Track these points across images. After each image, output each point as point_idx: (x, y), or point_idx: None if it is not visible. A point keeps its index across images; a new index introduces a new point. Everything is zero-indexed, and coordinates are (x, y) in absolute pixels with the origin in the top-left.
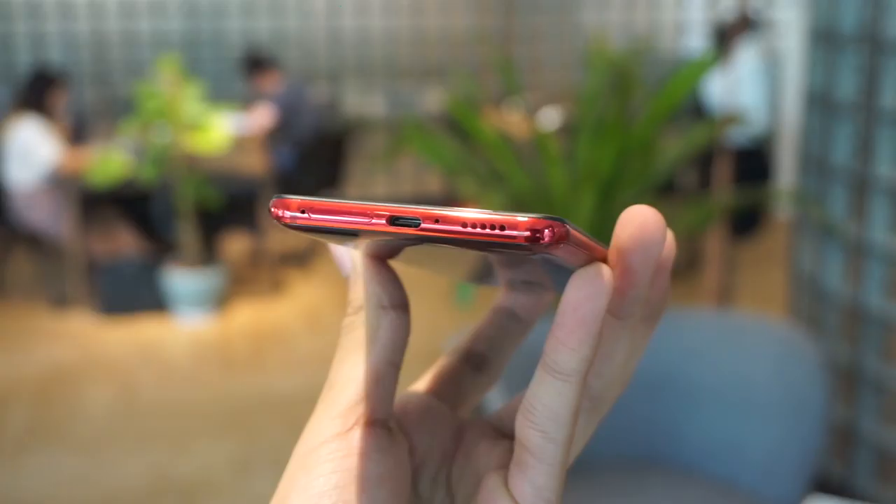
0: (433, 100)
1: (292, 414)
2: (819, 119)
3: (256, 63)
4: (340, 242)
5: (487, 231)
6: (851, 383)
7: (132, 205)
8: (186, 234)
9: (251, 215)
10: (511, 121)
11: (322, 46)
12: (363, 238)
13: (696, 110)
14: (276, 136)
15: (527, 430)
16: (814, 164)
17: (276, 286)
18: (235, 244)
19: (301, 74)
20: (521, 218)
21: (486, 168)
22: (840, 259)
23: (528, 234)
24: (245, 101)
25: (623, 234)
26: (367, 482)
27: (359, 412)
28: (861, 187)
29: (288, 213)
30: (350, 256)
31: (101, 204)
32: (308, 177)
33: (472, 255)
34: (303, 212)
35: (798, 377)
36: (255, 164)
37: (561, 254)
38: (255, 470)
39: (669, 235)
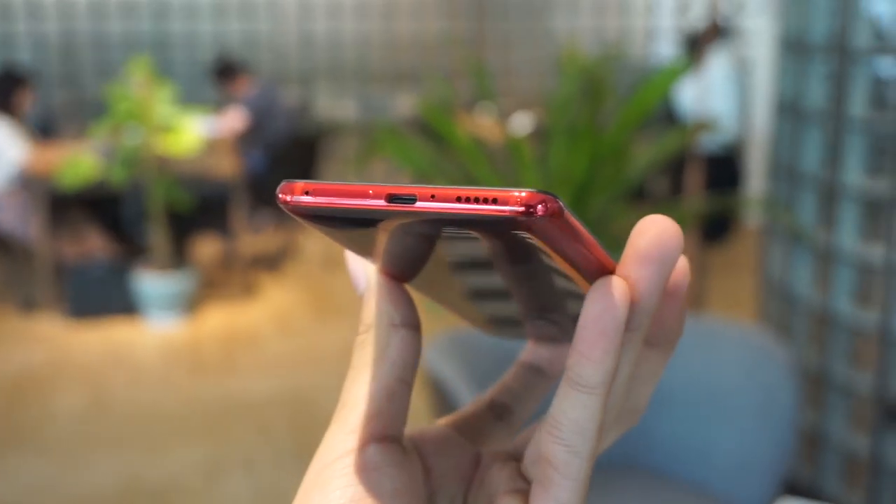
0: (405, 104)
1: (263, 417)
2: (789, 127)
3: (227, 69)
4: (353, 243)
5: (480, 205)
6: (820, 388)
7: (102, 207)
8: (157, 236)
9: (222, 218)
10: (483, 125)
11: (294, 50)
12: (371, 230)
13: (668, 117)
14: (248, 139)
15: (552, 445)
16: (783, 171)
17: (247, 290)
18: (206, 247)
19: (273, 78)
20: (515, 192)
21: (460, 172)
22: (809, 265)
23: (521, 208)
24: (217, 104)
25: (640, 242)
26: (382, 496)
27: (372, 429)
28: (830, 194)
29: (293, 197)
30: (364, 275)
31: (70, 206)
32: (280, 180)
33: (491, 289)
34: (307, 193)
35: (768, 382)
36: (227, 167)
37: (557, 238)
38: (227, 473)
39: (685, 262)
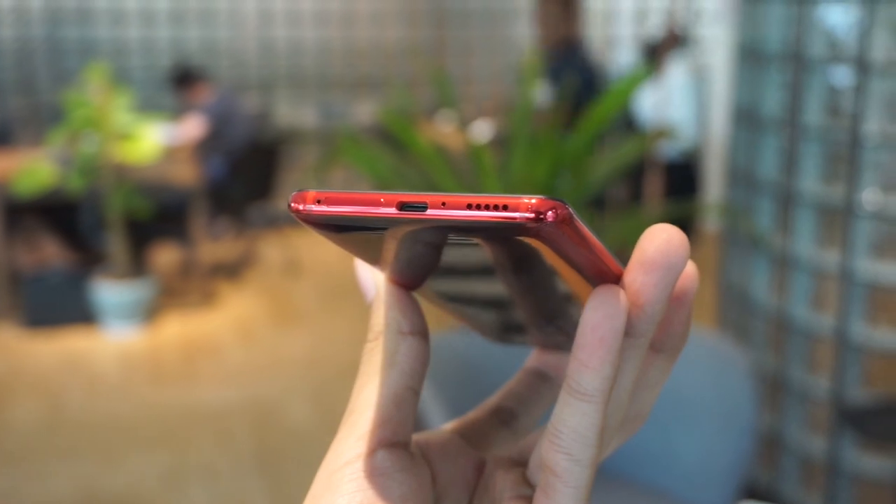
0: (365, 111)
1: (224, 426)
2: (746, 134)
3: (185, 76)
4: (362, 251)
5: (491, 212)
6: (777, 392)
7: (59, 214)
8: (115, 244)
9: (182, 226)
10: (443, 133)
11: (253, 57)
12: (381, 238)
13: (627, 125)
14: (207, 146)
15: (553, 453)
16: (741, 177)
17: (206, 298)
18: (165, 255)
19: (232, 85)
20: (525, 199)
21: (421, 180)
22: (767, 271)
23: (531, 214)
24: (176, 112)
25: (646, 249)
26: (390, 501)
27: (380, 435)
28: (786, 201)
29: (305, 206)
30: (373, 283)
31: (27, 213)
32: (240, 187)
33: (498, 299)
34: (318, 202)
35: (728, 387)
36: (186, 174)
37: (566, 245)
38: (186, 483)
39: (693, 267)
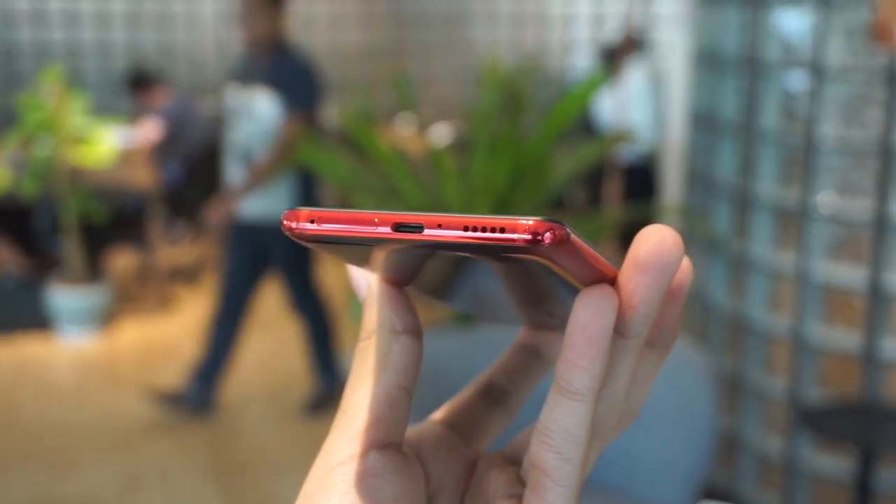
0: (323, 114)
1: (182, 432)
2: (703, 138)
3: (141, 79)
4: (355, 259)
5: (488, 234)
6: (735, 393)
7: (13, 219)
8: (70, 249)
9: (139, 230)
10: (403, 136)
11: (211, 59)
12: (374, 249)
13: (586, 128)
14: (164, 150)
15: (543, 452)
16: (699, 181)
17: (164, 303)
18: (122, 260)
19: (189, 88)
20: (522, 221)
21: (381, 183)
22: (724, 273)
23: (528, 236)
24: (132, 115)
25: (640, 251)
26: (382, 502)
27: (373, 435)
28: (743, 204)
29: (298, 224)
30: (366, 281)
31: None
32: (197, 191)
33: (488, 291)
34: (312, 221)
35: (688, 388)
36: (143, 178)
37: (563, 261)
38: (143, 489)
39: (687, 262)
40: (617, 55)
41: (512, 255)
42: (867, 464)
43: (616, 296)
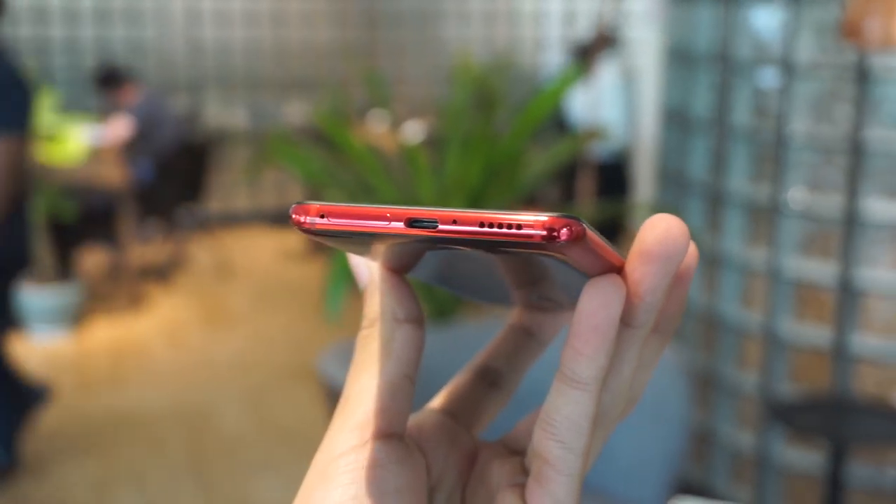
0: (296, 112)
1: (153, 432)
2: (676, 134)
3: (111, 77)
4: (358, 250)
5: (504, 230)
6: (708, 388)
7: None
8: (40, 247)
9: (109, 229)
10: (376, 134)
11: (181, 57)
12: (381, 242)
13: (558, 125)
14: (135, 147)
15: (546, 441)
16: (671, 177)
17: (135, 301)
18: (92, 258)
19: (159, 85)
20: (539, 217)
21: (354, 180)
22: (697, 269)
23: (544, 232)
24: (102, 113)
25: (646, 240)
26: (385, 493)
27: (376, 425)
28: (715, 200)
29: (308, 219)
30: (367, 269)
31: None
32: (169, 189)
33: (487, 274)
34: (322, 216)
35: (661, 384)
36: (113, 176)
37: (576, 255)
38: (115, 490)
39: (693, 247)
40: (589, 52)
41: (526, 250)
42: (838, 458)
43: (623, 286)
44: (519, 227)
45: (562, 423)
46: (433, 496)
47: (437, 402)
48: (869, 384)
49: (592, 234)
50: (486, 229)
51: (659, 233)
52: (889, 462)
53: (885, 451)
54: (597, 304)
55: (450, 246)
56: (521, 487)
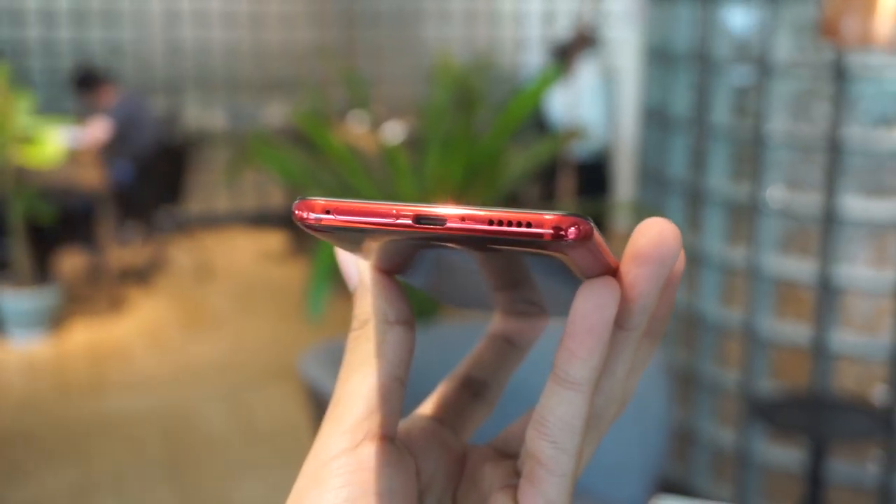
0: (275, 113)
1: (134, 435)
2: (655, 134)
3: (88, 78)
4: (354, 247)
5: (514, 228)
6: (688, 386)
7: None
8: (17, 251)
9: (88, 231)
10: (356, 134)
11: (159, 58)
12: (384, 240)
13: (538, 125)
14: (113, 149)
15: (539, 441)
16: (651, 176)
17: (115, 304)
18: (71, 261)
19: (138, 87)
20: (548, 215)
21: (335, 181)
22: None
23: (552, 230)
24: (79, 114)
25: (639, 244)
26: (377, 496)
27: (367, 428)
28: (695, 199)
29: (312, 215)
30: (357, 270)
31: None
32: (148, 191)
33: (471, 278)
34: (328, 212)
35: (642, 383)
36: (92, 178)
37: (579, 255)
38: (95, 494)
39: (681, 252)
40: (569, 52)
41: (530, 249)
42: (818, 454)
43: (619, 288)
44: (529, 224)
45: (555, 424)
46: (423, 499)
47: (425, 409)
48: (848, 381)
49: (598, 235)
50: (494, 227)
51: (653, 236)
52: (869, 458)
53: (865, 448)
54: (592, 306)
55: (450, 244)
56: (513, 489)
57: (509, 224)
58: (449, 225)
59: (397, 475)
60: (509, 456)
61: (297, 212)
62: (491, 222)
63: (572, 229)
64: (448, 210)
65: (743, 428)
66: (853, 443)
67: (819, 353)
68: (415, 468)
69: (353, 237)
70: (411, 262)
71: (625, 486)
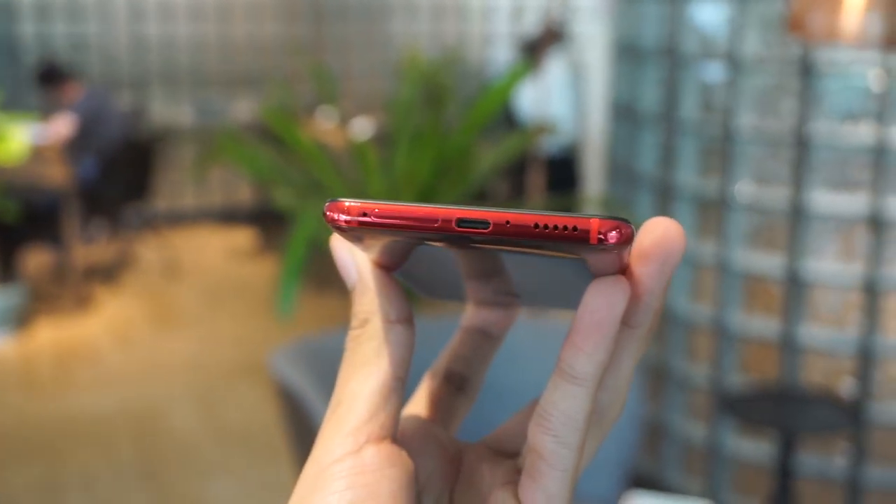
0: (242, 109)
1: (103, 434)
2: (624, 129)
3: (52, 74)
4: (363, 244)
5: (559, 232)
6: (659, 381)
7: None
8: None
9: (53, 228)
10: (324, 130)
11: (124, 53)
12: (420, 242)
13: (507, 120)
14: (78, 146)
15: (541, 436)
16: (621, 171)
17: (81, 302)
18: (36, 259)
19: (103, 82)
20: (592, 218)
21: (304, 177)
22: None
23: (598, 235)
24: (43, 111)
25: (644, 242)
26: (381, 498)
27: (369, 430)
28: (665, 194)
29: (346, 217)
30: (356, 267)
31: None
32: (113, 188)
33: (449, 270)
34: (364, 215)
35: None
36: (57, 175)
37: (607, 255)
38: (64, 494)
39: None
40: (537, 47)
41: (562, 250)
42: (787, 447)
43: (628, 286)
44: (574, 228)
45: (557, 418)
46: (420, 499)
47: (415, 408)
48: (817, 374)
49: None
50: (539, 230)
51: (658, 235)
52: (837, 451)
53: (833, 441)
54: (601, 302)
55: (479, 246)
56: (513, 486)
57: (555, 228)
58: (493, 229)
59: (399, 476)
60: (506, 454)
61: (328, 213)
62: (536, 226)
63: (613, 233)
64: (491, 213)
65: (713, 422)
66: (822, 436)
67: (787, 347)
68: (413, 468)
69: (380, 238)
70: (407, 258)
71: (598, 481)
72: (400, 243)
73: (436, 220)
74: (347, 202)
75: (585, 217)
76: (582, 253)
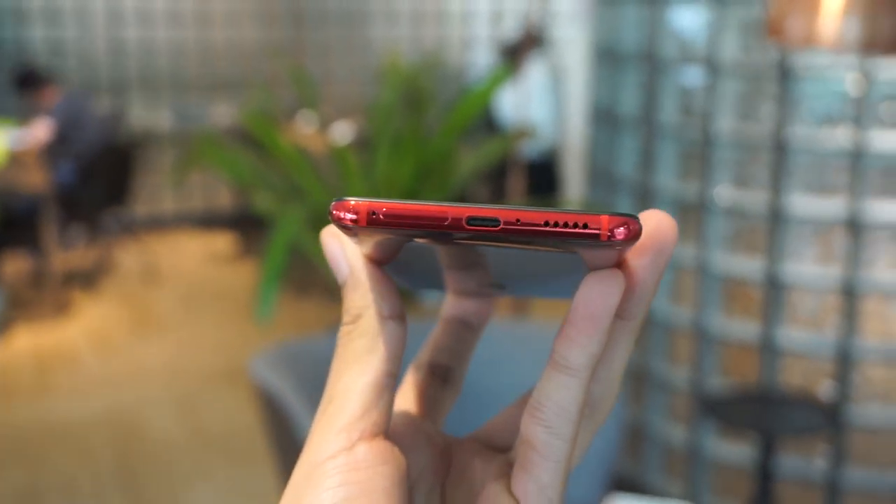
0: (222, 113)
1: (83, 440)
2: (604, 133)
3: (30, 78)
4: (373, 240)
5: (569, 229)
6: (639, 384)
7: None
8: None
9: (31, 234)
10: (304, 134)
11: (103, 57)
12: (429, 241)
13: (488, 124)
14: (56, 150)
15: (534, 427)
16: (601, 175)
17: (60, 308)
18: (14, 265)
19: (81, 86)
20: (601, 215)
21: (284, 182)
22: None
23: (609, 232)
24: (21, 115)
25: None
26: (375, 494)
27: (362, 426)
28: (644, 197)
29: (354, 216)
30: (347, 263)
31: None
32: (92, 193)
33: (432, 262)
34: (373, 214)
35: None
36: (35, 180)
37: (613, 250)
38: (43, 501)
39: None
40: (517, 52)
41: (569, 246)
42: (767, 450)
43: (624, 278)
44: (585, 225)
45: (551, 409)
46: (412, 495)
47: (403, 402)
48: (795, 377)
49: None
50: (549, 228)
51: (651, 227)
52: (816, 453)
53: (813, 443)
54: (596, 294)
55: (484, 243)
56: (507, 479)
57: (565, 225)
58: (504, 226)
59: (392, 472)
60: (497, 449)
61: (334, 212)
62: (546, 223)
63: (622, 229)
64: (501, 211)
65: (693, 424)
66: (801, 438)
67: (767, 349)
68: (405, 465)
69: (384, 235)
70: (400, 252)
71: (580, 484)
72: (398, 239)
73: (445, 219)
74: (353, 201)
75: (595, 214)
76: (588, 248)
